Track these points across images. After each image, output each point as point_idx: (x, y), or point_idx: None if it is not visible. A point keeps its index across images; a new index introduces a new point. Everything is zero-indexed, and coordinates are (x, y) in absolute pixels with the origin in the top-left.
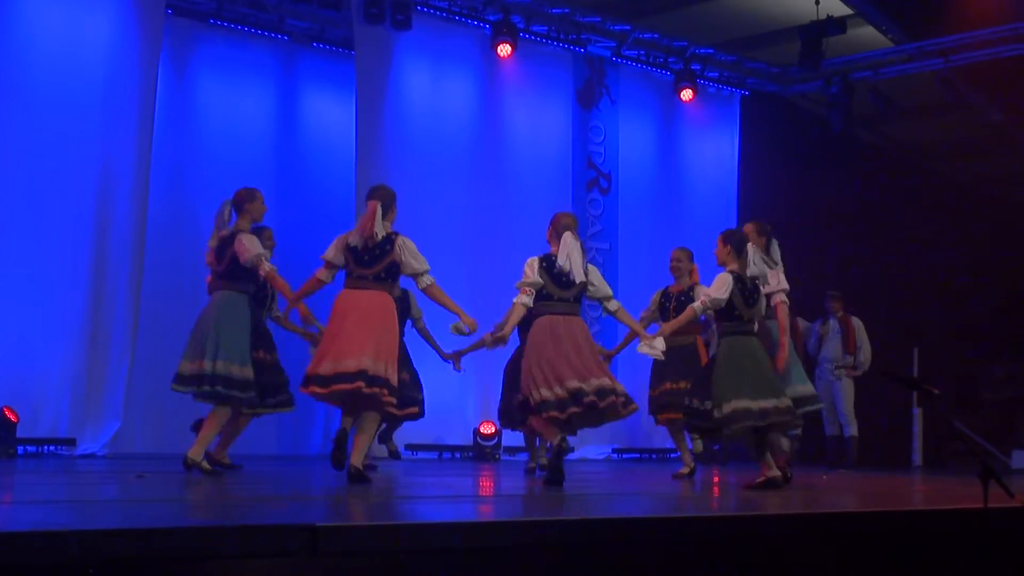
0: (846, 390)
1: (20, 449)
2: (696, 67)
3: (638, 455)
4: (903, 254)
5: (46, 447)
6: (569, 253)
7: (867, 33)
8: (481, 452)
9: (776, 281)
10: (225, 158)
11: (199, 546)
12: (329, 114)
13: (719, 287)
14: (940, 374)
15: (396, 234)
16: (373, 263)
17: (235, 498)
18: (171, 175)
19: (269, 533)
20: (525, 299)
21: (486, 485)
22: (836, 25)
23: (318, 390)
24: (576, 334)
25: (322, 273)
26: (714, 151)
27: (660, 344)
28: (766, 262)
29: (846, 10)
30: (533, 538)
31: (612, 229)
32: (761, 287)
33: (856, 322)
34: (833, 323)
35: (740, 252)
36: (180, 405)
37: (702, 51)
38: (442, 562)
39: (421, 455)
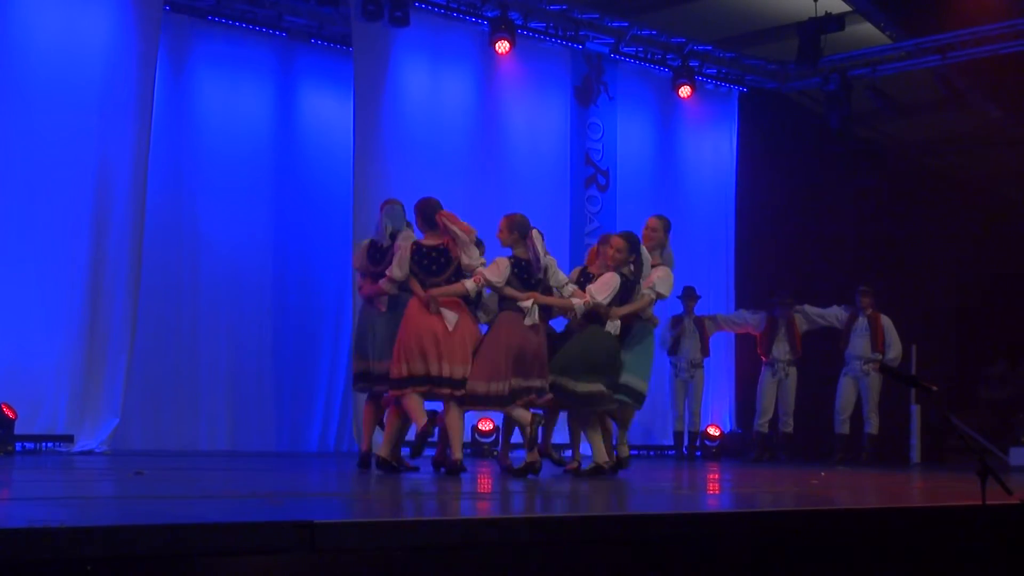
0: (873, 388)
1: (18, 446)
2: (694, 64)
3: (636, 451)
4: (900, 251)
5: (44, 444)
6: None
7: (865, 30)
8: (479, 449)
9: (660, 286)
10: (223, 154)
11: (197, 543)
12: (327, 111)
13: (605, 291)
14: (938, 371)
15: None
16: (441, 271)
17: (233, 495)
18: (169, 171)
19: (267, 530)
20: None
21: (484, 482)
22: (834, 22)
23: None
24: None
25: (388, 286)
26: (712, 148)
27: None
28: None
29: (844, 7)
30: (531, 535)
31: (610, 226)
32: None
33: (885, 319)
34: (862, 320)
35: (636, 255)
36: (179, 402)
37: (700, 48)
38: (440, 559)
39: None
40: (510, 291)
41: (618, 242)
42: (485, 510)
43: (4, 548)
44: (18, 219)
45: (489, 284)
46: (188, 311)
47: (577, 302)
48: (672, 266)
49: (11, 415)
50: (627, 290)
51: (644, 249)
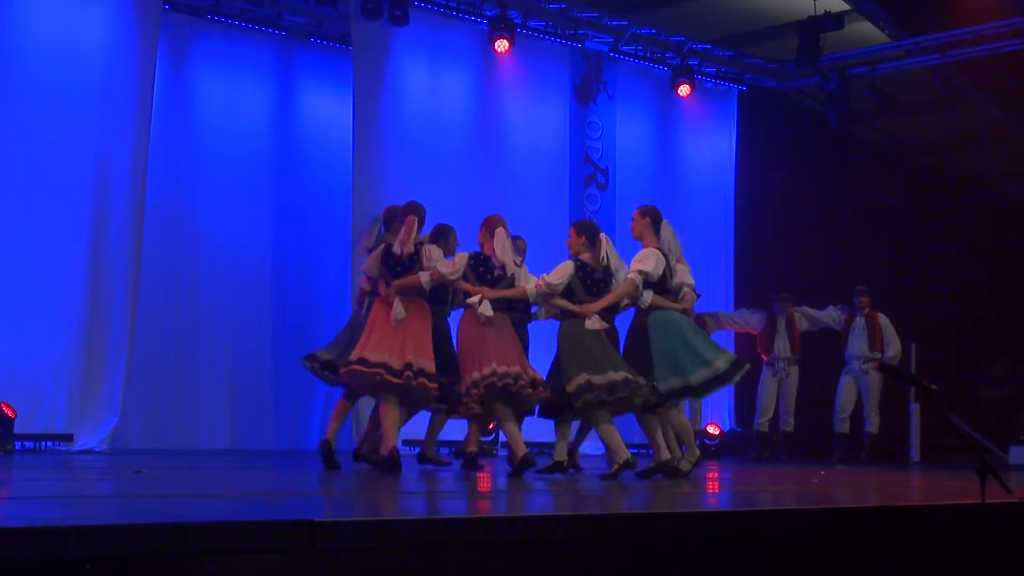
0: (873, 387)
1: (18, 445)
2: (693, 62)
3: (635, 450)
4: (900, 250)
5: (43, 443)
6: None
7: (864, 29)
8: (479, 448)
9: (638, 264)
10: (222, 153)
11: (197, 542)
12: (326, 109)
13: (558, 274)
14: (938, 370)
15: (422, 244)
16: (405, 273)
17: (233, 493)
18: (168, 170)
19: (267, 529)
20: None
21: (483, 480)
22: (833, 20)
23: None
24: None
25: (365, 284)
26: (711, 146)
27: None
28: (667, 245)
29: (843, 6)
30: (531, 534)
31: (610, 225)
32: (615, 277)
33: (882, 318)
34: (859, 319)
35: (593, 242)
36: (178, 401)
37: (699, 46)
38: (440, 557)
39: (418, 450)
40: (464, 285)
41: (571, 229)
42: (485, 509)
43: (4, 548)
44: (18, 218)
45: (443, 277)
46: (188, 310)
47: (530, 287)
48: (673, 250)
49: (11, 414)
50: (595, 281)
51: (607, 241)
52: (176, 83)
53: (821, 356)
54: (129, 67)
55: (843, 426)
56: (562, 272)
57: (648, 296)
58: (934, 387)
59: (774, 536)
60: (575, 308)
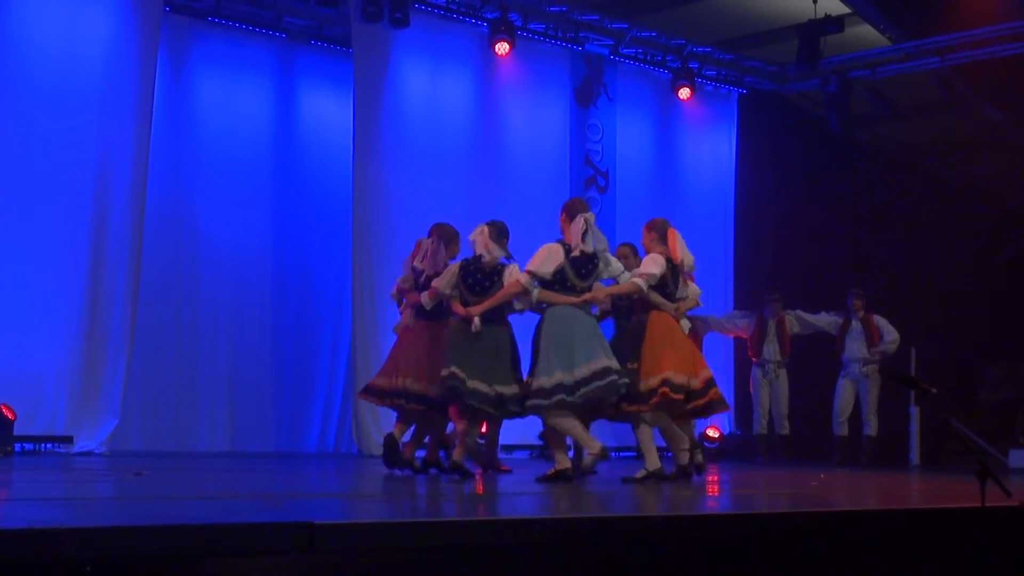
0: (872, 390)
1: (17, 447)
2: (694, 65)
3: (635, 453)
4: (900, 253)
5: (43, 445)
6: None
7: (865, 32)
8: (479, 450)
9: (528, 264)
10: (223, 155)
11: (197, 544)
12: (327, 112)
13: (443, 279)
14: (938, 373)
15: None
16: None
17: (233, 496)
18: (169, 172)
19: (267, 531)
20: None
21: (482, 484)
22: (834, 24)
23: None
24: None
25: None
26: (711, 149)
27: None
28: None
29: (844, 9)
30: (530, 536)
31: (610, 227)
32: (504, 273)
33: (878, 318)
34: (855, 324)
35: (498, 240)
36: (178, 403)
37: (700, 49)
38: (439, 560)
39: (418, 453)
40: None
41: None
42: (483, 511)
43: (4, 548)
44: (18, 219)
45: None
46: (188, 311)
47: (424, 295)
48: (589, 241)
49: (10, 416)
50: (478, 280)
51: (484, 238)
52: (176, 85)
53: (818, 359)
54: (129, 69)
55: (842, 429)
56: (446, 275)
57: (535, 293)
58: (934, 390)
59: (773, 539)
60: (461, 311)
